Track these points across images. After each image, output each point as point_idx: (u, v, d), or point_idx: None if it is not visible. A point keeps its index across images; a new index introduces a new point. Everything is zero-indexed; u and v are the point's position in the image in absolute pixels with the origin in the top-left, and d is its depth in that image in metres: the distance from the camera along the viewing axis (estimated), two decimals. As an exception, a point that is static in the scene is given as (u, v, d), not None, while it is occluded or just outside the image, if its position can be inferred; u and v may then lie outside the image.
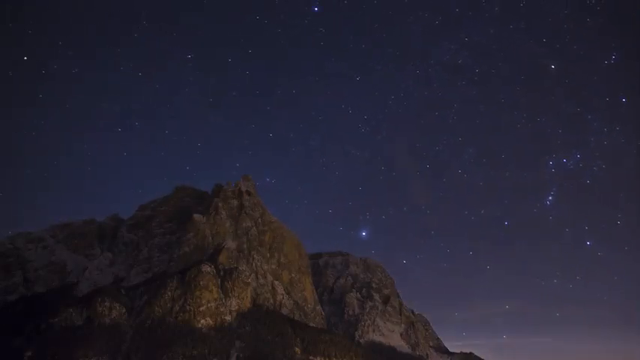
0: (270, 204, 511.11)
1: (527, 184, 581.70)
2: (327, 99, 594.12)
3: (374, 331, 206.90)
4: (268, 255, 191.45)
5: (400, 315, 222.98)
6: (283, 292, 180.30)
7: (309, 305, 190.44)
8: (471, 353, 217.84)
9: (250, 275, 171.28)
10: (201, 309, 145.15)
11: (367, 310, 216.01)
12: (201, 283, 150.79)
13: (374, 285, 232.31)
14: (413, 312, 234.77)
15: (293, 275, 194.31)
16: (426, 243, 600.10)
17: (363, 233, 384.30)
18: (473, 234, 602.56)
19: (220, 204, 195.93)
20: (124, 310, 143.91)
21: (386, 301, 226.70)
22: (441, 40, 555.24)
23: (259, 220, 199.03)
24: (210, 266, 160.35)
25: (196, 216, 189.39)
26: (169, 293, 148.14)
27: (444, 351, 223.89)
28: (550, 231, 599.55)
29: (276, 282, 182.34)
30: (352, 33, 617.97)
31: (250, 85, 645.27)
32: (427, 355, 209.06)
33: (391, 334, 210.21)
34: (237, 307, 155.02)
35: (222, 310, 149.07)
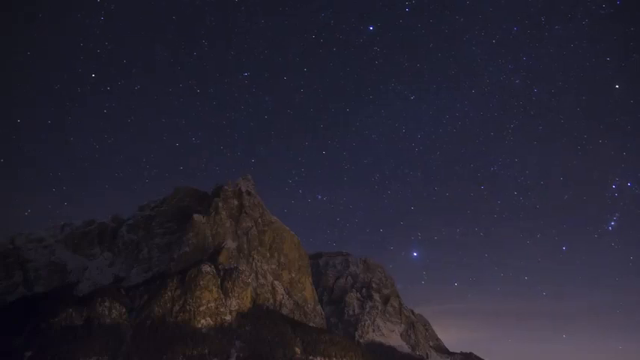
0: (320, 222, 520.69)
1: (588, 208, 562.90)
2: (380, 118, 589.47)
3: (374, 331, 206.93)
4: (268, 255, 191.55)
5: (400, 315, 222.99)
6: (283, 292, 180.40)
7: (309, 305, 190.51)
8: (470, 353, 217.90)
9: (250, 275, 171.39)
10: (201, 309, 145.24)
11: (367, 310, 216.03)
12: (201, 283, 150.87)
13: (374, 285, 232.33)
14: (413, 312, 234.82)
15: (293, 275, 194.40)
16: (479, 266, 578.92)
17: (415, 254, 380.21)
18: (529, 258, 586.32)
19: (220, 204, 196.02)
20: (124, 310, 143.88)
21: (386, 301, 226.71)
22: (498, 60, 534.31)
23: (259, 220, 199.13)
24: (210, 266, 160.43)
25: (196, 216, 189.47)
26: (169, 293, 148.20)
27: (444, 351, 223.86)
28: (612, 258, 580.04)
29: (276, 282, 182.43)
30: (407, 52, 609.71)
31: (305, 103, 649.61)
32: (427, 355, 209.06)
33: (391, 334, 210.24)
34: (237, 307, 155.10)
35: (222, 310, 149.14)
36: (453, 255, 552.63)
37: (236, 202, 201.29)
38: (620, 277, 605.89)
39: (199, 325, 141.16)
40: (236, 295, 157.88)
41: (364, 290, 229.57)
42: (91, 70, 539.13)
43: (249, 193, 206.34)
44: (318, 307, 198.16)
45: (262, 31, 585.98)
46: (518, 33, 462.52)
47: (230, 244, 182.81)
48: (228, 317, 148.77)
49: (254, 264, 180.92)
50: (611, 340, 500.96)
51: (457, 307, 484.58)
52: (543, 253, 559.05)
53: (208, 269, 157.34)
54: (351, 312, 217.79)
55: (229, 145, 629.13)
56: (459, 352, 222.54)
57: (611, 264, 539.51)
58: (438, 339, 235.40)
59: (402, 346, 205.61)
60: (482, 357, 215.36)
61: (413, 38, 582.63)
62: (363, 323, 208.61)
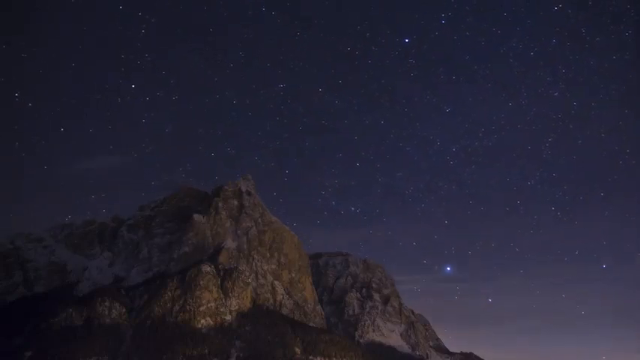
0: (353, 234, 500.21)
1: (627, 225, 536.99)
2: (415, 130, 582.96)
3: (374, 331, 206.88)
4: (268, 255, 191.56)
5: (400, 315, 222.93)
6: (283, 292, 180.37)
7: (309, 305, 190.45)
8: (471, 353, 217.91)
9: (250, 275, 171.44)
10: (201, 309, 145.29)
11: (367, 310, 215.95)
12: (201, 283, 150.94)
13: (374, 285, 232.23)
14: (413, 312, 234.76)
15: (293, 275, 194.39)
16: (513, 282, 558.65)
17: (448, 268, 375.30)
18: (566, 275, 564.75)
19: (220, 204, 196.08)
20: (124, 310, 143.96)
21: (386, 301, 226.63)
22: (536, 72, 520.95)
23: (259, 220, 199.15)
24: (210, 266, 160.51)
25: (196, 216, 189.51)
26: (169, 293, 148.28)
27: (444, 351, 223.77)
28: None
29: (276, 282, 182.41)
30: (442, 64, 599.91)
31: (339, 115, 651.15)
32: (427, 355, 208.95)
33: (391, 334, 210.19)
34: (237, 307, 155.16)
35: (222, 310, 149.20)
36: (487, 270, 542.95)
37: (236, 202, 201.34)
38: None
39: (199, 325, 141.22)
40: (236, 295, 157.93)
41: (364, 290, 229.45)
42: (132, 80, 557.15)
43: (249, 193, 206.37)
44: (318, 307, 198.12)
45: (298, 43, 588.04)
46: (558, 45, 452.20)
47: (230, 244, 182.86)
48: (228, 317, 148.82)
49: (254, 264, 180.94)
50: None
51: (490, 325, 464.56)
52: (581, 272, 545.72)
53: (208, 269, 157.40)
54: (351, 312, 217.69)
55: (263, 156, 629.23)
56: (458, 352, 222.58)
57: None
58: (438, 339, 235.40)
59: (402, 346, 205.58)
60: (482, 357, 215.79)
61: (449, 50, 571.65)
62: (363, 323, 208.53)
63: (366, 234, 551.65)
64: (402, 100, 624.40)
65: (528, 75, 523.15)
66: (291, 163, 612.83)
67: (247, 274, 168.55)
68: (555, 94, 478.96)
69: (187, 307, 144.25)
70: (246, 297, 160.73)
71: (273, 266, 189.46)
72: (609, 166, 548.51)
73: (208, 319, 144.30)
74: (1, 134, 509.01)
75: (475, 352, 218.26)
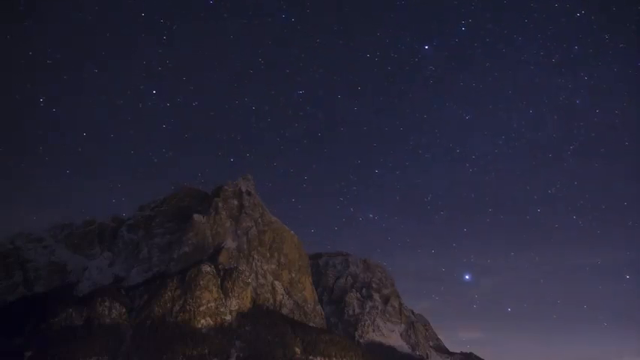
0: (371, 240, 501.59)
1: None
2: (435, 138, 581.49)
3: (374, 331, 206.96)
4: (268, 255, 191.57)
5: (400, 315, 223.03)
6: (283, 292, 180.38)
7: (309, 305, 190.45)
8: (471, 353, 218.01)
9: (250, 275, 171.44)
10: (201, 309, 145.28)
11: (367, 310, 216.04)
12: (201, 283, 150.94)
13: (374, 285, 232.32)
14: (413, 312, 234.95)
15: (293, 275, 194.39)
16: (533, 292, 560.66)
17: (467, 277, 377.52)
18: (588, 285, 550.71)
19: (220, 204, 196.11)
20: (124, 310, 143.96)
21: (386, 301, 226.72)
22: (558, 79, 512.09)
23: (259, 220, 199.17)
24: (210, 266, 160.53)
25: (196, 216, 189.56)
26: (169, 293, 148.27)
27: (444, 351, 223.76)
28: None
29: (276, 282, 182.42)
30: (463, 71, 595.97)
31: (358, 121, 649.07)
32: (427, 355, 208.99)
33: (391, 334, 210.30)
34: (237, 307, 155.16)
35: (222, 310, 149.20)
36: (506, 279, 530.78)
37: (236, 202, 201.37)
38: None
39: (199, 325, 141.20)
40: (236, 295, 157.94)
41: (364, 290, 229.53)
42: (153, 86, 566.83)
43: (249, 193, 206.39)
44: (318, 307, 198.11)
45: (317, 50, 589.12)
46: (579, 52, 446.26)
47: (230, 244, 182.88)
48: (228, 317, 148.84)
49: (254, 264, 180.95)
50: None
51: (510, 335, 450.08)
52: (604, 281, 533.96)
53: (208, 269, 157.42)
54: (351, 312, 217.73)
55: (282, 163, 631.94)
56: (458, 352, 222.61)
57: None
58: (438, 339, 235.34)
59: (402, 346, 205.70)
60: (481, 357, 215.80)
61: (469, 57, 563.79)
62: (363, 323, 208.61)
63: (384, 241, 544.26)
64: (421, 106, 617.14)
65: (549, 82, 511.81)
66: (309, 170, 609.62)
67: (247, 274, 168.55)
68: (577, 101, 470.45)
69: (187, 307, 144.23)
70: (246, 297, 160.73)
71: (273, 266, 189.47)
72: (632, 175, 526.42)
73: (208, 319, 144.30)
74: (25, 138, 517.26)
75: (475, 353, 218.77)
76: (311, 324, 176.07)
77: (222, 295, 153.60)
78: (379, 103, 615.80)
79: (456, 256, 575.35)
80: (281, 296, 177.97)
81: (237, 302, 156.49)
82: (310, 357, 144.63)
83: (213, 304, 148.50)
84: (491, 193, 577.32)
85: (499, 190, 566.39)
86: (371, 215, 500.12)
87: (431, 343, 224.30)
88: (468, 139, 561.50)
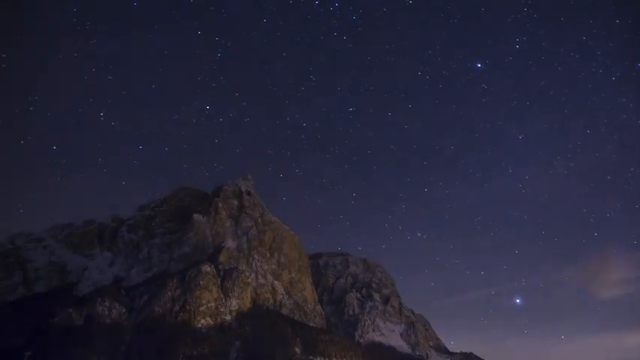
0: (420, 261, 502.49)
1: None
2: (487, 157, 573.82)
3: (374, 331, 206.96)
4: (268, 255, 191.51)
5: (400, 315, 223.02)
6: (283, 292, 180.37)
7: (309, 305, 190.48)
8: (471, 353, 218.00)
9: (250, 275, 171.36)
10: (201, 309, 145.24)
11: (367, 310, 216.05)
12: (201, 283, 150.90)
13: (374, 285, 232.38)
14: (413, 312, 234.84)
15: (293, 275, 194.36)
16: (587, 321, 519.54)
17: (517, 300, 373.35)
18: None
19: (220, 204, 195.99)
20: (124, 310, 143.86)
21: (386, 301, 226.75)
22: (618, 98, 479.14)
23: (259, 220, 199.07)
24: (210, 266, 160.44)
25: (196, 216, 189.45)
26: (169, 293, 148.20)
27: (444, 351, 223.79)
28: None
29: (276, 282, 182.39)
30: (516, 90, 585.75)
31: (408, 139, 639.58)
32: (427, 355, 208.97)
33: (391, 334, 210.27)
34: (237, 307, 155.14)
35: (222, 310, 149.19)
36: (558, 306, 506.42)
37: (236, 202, 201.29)
38: None
39: (199, 325, 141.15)
40: (236, 295, 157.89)
41: (364, 290, 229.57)
42: (206, 102, 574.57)
43: (249, 193, 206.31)
44: (318, 307, 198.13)
45: (369, 67, 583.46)
46: None
47: (230, 244, 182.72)
48: (228, 317, 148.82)
49: (254, 264, 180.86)
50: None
51: None
52: None
53: (208, 269, 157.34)
54: (351, 312, 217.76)
55: (332, 180, 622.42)
56: (458, 352, 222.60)
57: None
58: (438, 339, 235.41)
59: (402, 346, 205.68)
60: (481, 357, 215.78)
61: (523, 76, 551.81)
62: (363, 323, 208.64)
63: (432, 261, 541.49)
64: (472, 125, 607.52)
65: (609, 101, 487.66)
66: (358, 187, 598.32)
67: (247, 274, 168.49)
68: (639, 121, 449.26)
69: (187, 307, 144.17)
70: (246, 297, 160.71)
71: (273, 266, 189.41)
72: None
73: (208, 319, 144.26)
74: (84, 151, 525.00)
75: (475, 353, 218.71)
76: (311, 324, 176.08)
77: (222, 295, 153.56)
78: (430, 122, 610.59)
79: (506, 279, 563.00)
80: (281, 296, 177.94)
81: (237, 302, 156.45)
82: (310, 357, 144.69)
83: (213, 304, 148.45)
84: (544, 215, 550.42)
85: (553, 212, 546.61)
86: (419, 234, 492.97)
87: (431, 343, 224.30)
88: (522, 160, 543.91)
